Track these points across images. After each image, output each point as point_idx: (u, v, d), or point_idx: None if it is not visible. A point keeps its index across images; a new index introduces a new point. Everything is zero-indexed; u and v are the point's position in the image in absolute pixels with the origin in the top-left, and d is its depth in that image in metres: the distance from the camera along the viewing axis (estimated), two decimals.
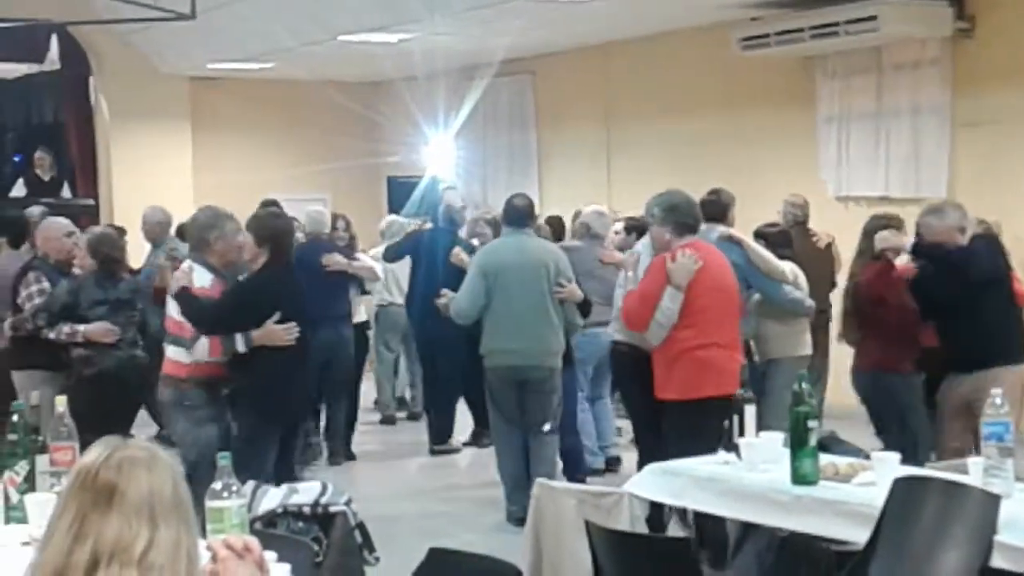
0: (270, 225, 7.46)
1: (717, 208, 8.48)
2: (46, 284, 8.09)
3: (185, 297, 7.02)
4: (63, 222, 8.77)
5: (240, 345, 7.01)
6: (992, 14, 10.99)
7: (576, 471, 8.88)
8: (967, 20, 11.11)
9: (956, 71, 11.28)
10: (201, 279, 7.09)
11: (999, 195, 10.20)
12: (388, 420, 12.31)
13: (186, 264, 7.28)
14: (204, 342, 6.99)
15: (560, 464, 8.72)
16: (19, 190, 15.15)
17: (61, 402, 4.72)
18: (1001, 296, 7.45)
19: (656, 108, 13.96)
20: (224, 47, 14.51)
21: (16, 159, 17.13)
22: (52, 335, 8.06)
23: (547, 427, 8.29)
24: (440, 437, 10.90)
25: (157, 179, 15.56)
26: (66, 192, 15.54)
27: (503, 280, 8.30)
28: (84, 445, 7.60)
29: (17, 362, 8.10)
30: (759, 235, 8.95)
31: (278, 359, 7.14)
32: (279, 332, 7.14)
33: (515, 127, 15.96)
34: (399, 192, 15.91)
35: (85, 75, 16.28)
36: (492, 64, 14.92)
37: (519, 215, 8.61)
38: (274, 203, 12.01)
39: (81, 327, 8.06)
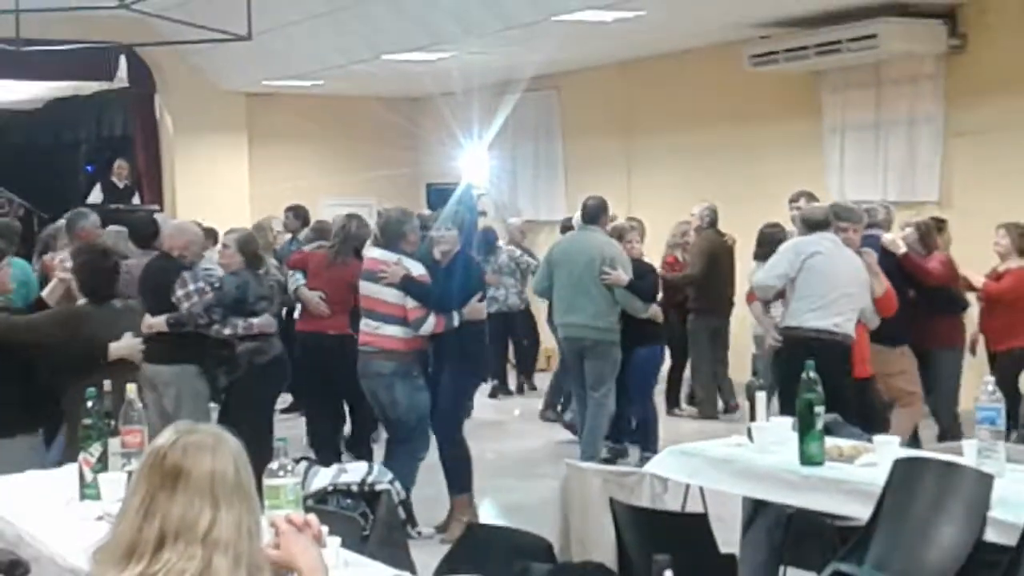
0: (471, 224, 8.33)
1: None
2: (201, 284, 7.98)
3: (416, 286, 7.52)
4: (197, 227, 8.75)
5: (456, 320, 7.57)
6: (983, 32, 10.96)
7: (648, 442, 9.37)
8: (959, 37, 11.07)
9: (949, 85, 11.24)
10: (416, 268, 7.59)
11: (988, 200, 10.16)
12: None
13: (394, 257, 7.62)
14: (432, 320, 7.49)
15: (632, 429, 9.54)
16: (95, 196, 15.20)
17: (132, 390, 4.74)
18: None
19: (673, 121, 13.96)
20: (278, 66, 14.58)
21: (88, 169, 17.23)
22: (227, 330, 7.95)
23: (601, 392, 8.94)
24: None
25: (216, 188, 15.69)
26: (136, 199, 15.63)
27: (560, 267, 9.12)
28: (256, 428, 7.46)
29: (170, 357, 7.67)
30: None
31: (477, 329, 7.84)
32: (481, 308, 7.86)
33: (542, 139, 15.98)
34: (437, 197, 15.87)
35: (151, 92, 16.37)
36: (521, 81, 14.93)
37: (587, 214, 9.26)
38: (301, 209, 12.16)
39: (255, 320, 8.06)
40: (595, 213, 9.17)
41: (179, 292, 7.81)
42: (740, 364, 11.23)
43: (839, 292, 7.49)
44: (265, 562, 2.67)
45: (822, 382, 7.09)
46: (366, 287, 7.75)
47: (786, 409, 7.30)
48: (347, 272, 8.68)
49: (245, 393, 8.08)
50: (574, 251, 9.07)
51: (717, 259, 11.14)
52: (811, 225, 7.82)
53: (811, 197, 9.58)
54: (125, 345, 6.21)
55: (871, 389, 7.99)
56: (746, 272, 10.66)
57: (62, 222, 9.53)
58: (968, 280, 8.97)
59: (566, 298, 9.01)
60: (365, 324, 7.78)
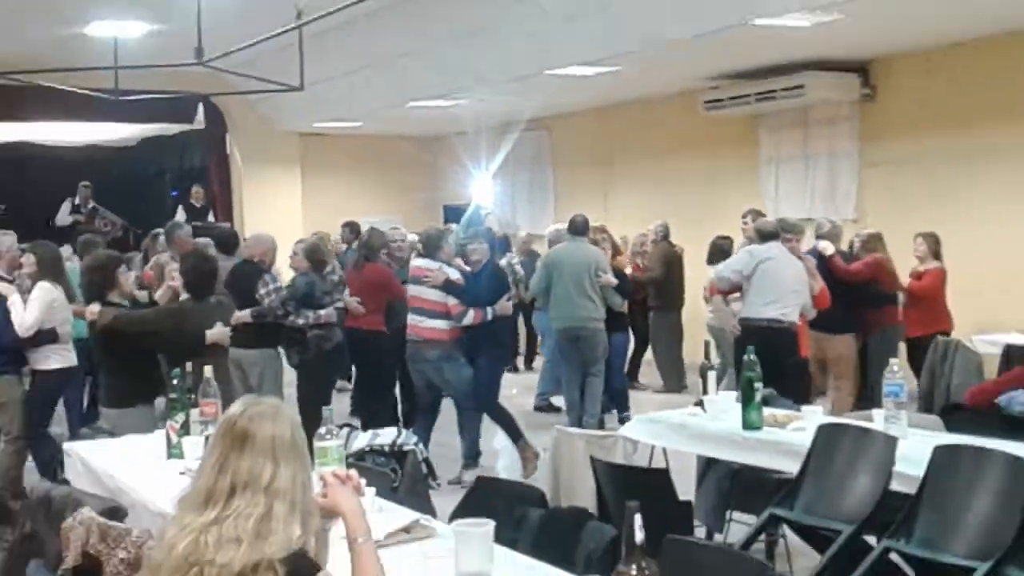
0: (492, 239, 8.39)
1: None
2: (279, 283, 8.03)
3: (454, 287, 7.65)
4: (273, 238, 8.69)
5: (490, 315, 7.73)
6: (890, 82, 10.98)
7: (623, 408, 9.39)
8: (871, 88, 11.10)
9: (863, 126, 11.28)
10: (453, 273, 7.72)
11: (895, 219, 10.17)
12: None
13: (435, 265, 7.75)
14: (471, 314, 7.65)
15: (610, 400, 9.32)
16: (179, 216, 15.19)
17: (208, 371, 4.75)
18: None
19: (642, 154, 13.97)
20: (325, 111, 14.58)
21: (173, 194, 17.24)
22: (300, 321, 7.96)
23: (596, 369, 8.91)
24: None
25: (275, 210, 15.65)
26: (210, 217, 15.64)
27: (557, 270, 8.87)
28: (319, 400, 7.63)
29: (254, 342, 7.64)
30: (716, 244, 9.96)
31: (505, 324, 8.13)
32: (509, 306, 8.00)
33: (535, 169, 15.98)
34: (452, 215, 15.93)
35: (223, 132, 16.37)
36: (519, 122, 14.96)
37: (575, 228, 9.11)
38: (355, 224, 12.10)
39: (322, 312, 8.07)
40: (582, 227, 9.11)
41: (261, 291, 7.84)
42: (693, 350, 11.24)
43: (786, 290, 7.67)
44: (315, 508, 2.68)
45: (774, 359, 7.22)
46: (413, 289, 7.81)
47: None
48: (365, 275, 8.68)
49: (313, 372, 8.11)
50: (568, 258, 8.94)
51: (671, 264, 11.15)
52: (763, 236, 7.96)
53: (759, 214, 9.65)
54: (217, 332, 6.23)
55: (806, 366, 8.09)
56: (694, 276, 10.75)
57: (160, 236, 9.56)
58: (899, 282, 8.88)
59: (564, 296, 8.87)
60: (412, 319, 7.81)
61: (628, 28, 9.45)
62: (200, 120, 15.91)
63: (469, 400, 7.82)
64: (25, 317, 6.93)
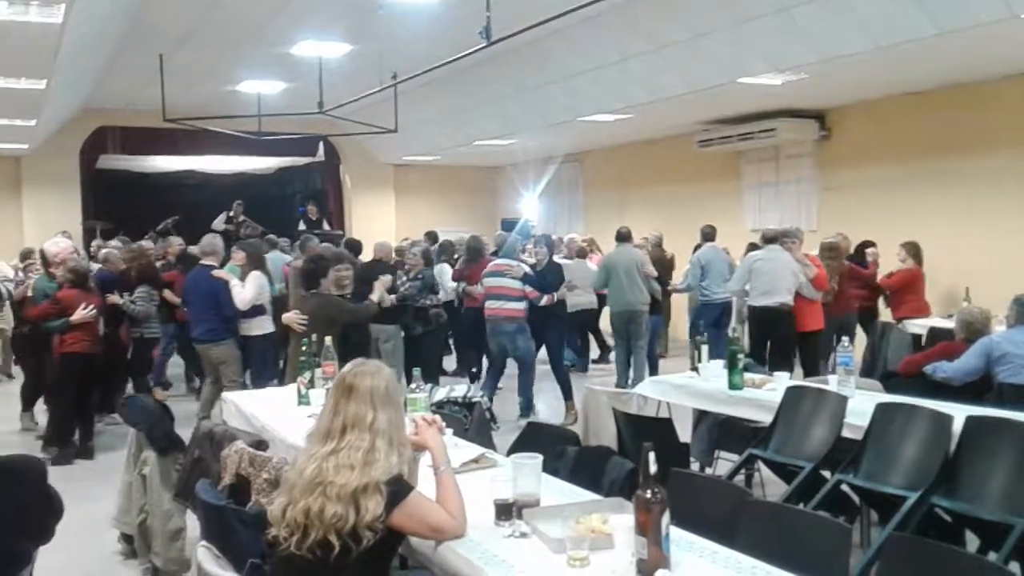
0: (551, 243, 8.23)
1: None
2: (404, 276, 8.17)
3: (530, 278, 7.59)
4: (389, 242, 8.77)
5: (555, 298, 7.72)
6: (841, 126, 10.80)
7: (654, 370, 9.00)
8: (826, 130, 10.92)
9: (820, 159, 11.10)
10: (526, 268, 7.66)
11: (846, 229, 9.95)
12: None
13: (514, 262, 7.69)
14: (545, 298, 7.59)
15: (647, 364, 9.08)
16: (301, 226, 15.34)
17: (328, 340, 4.78)
18: None
19: (650, 181, 13.86)
20: (412, 147, 14.64)
21: (301, 210, 17.37)
22: (427, 302, 8.05)
23: (640, 343, 8.64)
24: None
25: (375, 220, 15.79)
26: (325, 226, 15.72)
27: (614, 268, 8.57)
28: (434, 357, 7.40)
29: (392, 319, 7.71)
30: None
31: (565, 304, 8.19)
32: (565, 291, 8.02)
33: (571, 192, 15.90)
34: (507, 226, 15.91)
35: (337, 163, 16.49)
36: (558, 156, 14.92)
37: (622, 236, 8.82)
38: (434, 232, 12.08)
39: (439, 296, 8.26)
40: (627, 236, 8.90)
41: (396, 281, 8.01)
42: (675, 325, 11.21)
43: (777, 282, 7.47)
44: (408, 443, 2.68)
45: (775, 333, 7.19)
46: (494, 280, 7.67)
47: (752, 353, 7.24)
48: (483, 264, 8.64)
49: (432, 338, 8.19)
50: (620, 258, 8.61)
51: (659, 264, 10.40)
52: (767, 239, 7.81)
53: (710, 227, 9.83)
54: (287, 316, 6.10)
55: (816, 339, 7.67)
56: (680, 272, 10.64)
57: (283, 241, 9.63)
58: (875, 280, 8.54)
59: (620, 287, 8.55)
60: (493, 303, 7.66)
61: (639, 85, 9.38)
62: (321, 154, 16.03)
63: (530, 364, 7.71)
64: (244, 295, 6.98)
